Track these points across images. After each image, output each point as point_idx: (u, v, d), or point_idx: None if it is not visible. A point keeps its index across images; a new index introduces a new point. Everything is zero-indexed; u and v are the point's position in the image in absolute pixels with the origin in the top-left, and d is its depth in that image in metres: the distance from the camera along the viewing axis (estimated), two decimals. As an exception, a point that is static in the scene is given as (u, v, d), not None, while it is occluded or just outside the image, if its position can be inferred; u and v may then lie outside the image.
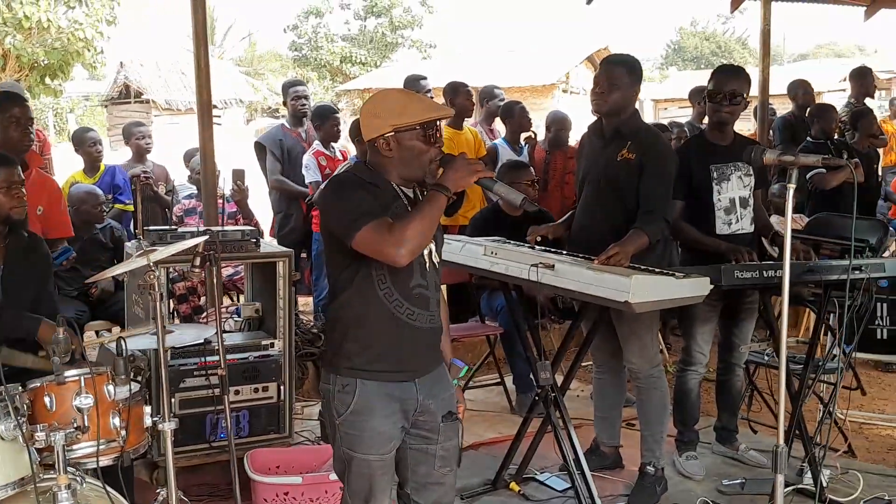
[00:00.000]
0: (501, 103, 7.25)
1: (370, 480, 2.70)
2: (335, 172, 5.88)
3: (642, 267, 3.65)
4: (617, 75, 4.00)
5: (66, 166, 7.26)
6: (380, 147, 2.64)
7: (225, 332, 4.11)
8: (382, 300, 2.64)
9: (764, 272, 3.89)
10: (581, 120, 6.65)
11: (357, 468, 2.70)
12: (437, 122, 2.67)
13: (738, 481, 4.28)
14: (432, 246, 2.71)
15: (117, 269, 3.38)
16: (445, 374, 2.88)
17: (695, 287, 3.58)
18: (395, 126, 2.61)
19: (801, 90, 8.13)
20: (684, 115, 16.10)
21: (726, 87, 4.23)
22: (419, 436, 2.78)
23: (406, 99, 2.73)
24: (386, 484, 2.75)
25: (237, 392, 4.20)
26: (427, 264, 2.70)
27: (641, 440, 4.24)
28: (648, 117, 26.02)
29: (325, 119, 6.53)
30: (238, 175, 5.90)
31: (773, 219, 5.35)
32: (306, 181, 6.33)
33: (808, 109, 7.57)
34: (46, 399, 2.77)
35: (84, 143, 6.59)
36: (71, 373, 2.80)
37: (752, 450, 4.64)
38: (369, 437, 2.66)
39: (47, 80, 22.29)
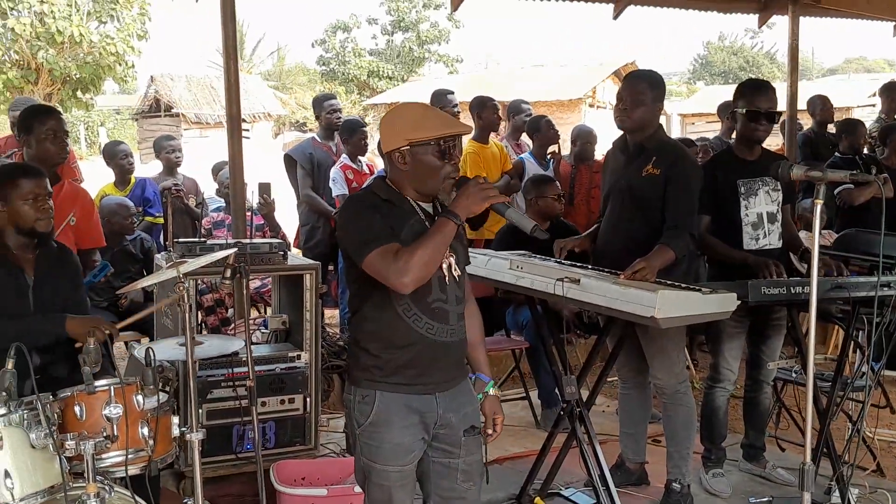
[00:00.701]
0: (528, 118, 7.26)
1: (389, 492, 2.71)
2: (362, 186, 5.93)
3: (668, 282, 3.64)
4: (640, 91, 4.00)
5: (97, 179, 7.36)
6: (395, 160, 2.65)
7: (252, 343, 4.14)
8: (401, 315, 2.65)
9: (792, 288, 3.86)
10: (608, 134, 6.64)
11: (376, 479, 2.71)
12: (455, 139, 2.66)
13: (766, 499, 4.25)
14: (452, 259, 2.71)
15: (147, 281, 3.42)
16: (469, 388, 2.87)
17: (722, 303, 3.56)
18: (410, 140, 2.61)
19: (819, 106, 8.08)
20: (712, 129, 16.03)
21: (766, 106, 4.21)
22: (441, 449, 2.78)
23: (423, 113, 2.72)
24: (406, 496, 2.75)
25: (264, 403, 4.22)
26: (446, 278, 2.70)
27: (667, 457, 4.22)
28: (676, 132, 25.93)
29: (353, 133, 6.57)
30: (264, 189, 5.95)
31: (803, 234, 5.32)
32: (333, 194, 6.38)
33: (837, 125, 7.52)
34: (77, 408, 2.80)
35: (115, 155, 6.68)
36: (101, 383, 2.84)
37: (779, 468, 4.60)
38: (388, 448, 2.67)
39: (79, 93, 22.65)
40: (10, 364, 2.63)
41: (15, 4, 21.09)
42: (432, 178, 2.64)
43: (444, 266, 2.68)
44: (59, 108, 21.63)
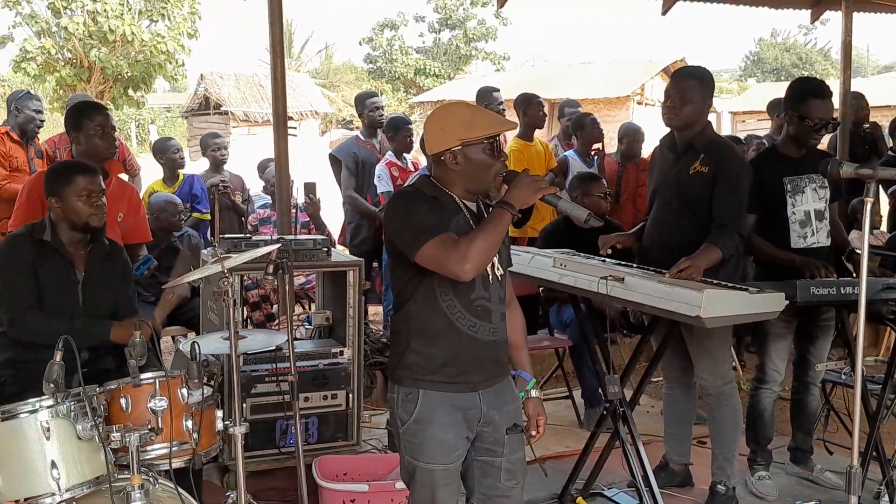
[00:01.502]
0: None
1: (433, 490, 2.71)
2: (406, 183, 5.94)
3: (714, 281, 3.59)
4: (688, 88, 3.95)
5: (146, 176, 7.45)
6: (447, 161, 2.65)
7: (296, 339, 4.17)
8: (444, 312, 2.65)
9: (841, 288, 3.79)
10: (656, 132, 6.57)
11: (420, 477, 2.71)
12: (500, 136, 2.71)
13: (812, 503, 4.17)
14: (495, 259, 2.71)
15: (193, 276, 3.46)
16: (511, 387, 2.87)
17: (769, 302, 3.51)
18: (463, 140, 2.62)
19: (855, 104, 7.91)
20: (763, 127, 15.79)
21: (826, 117, 4.12)
22: (484, 448, 2.78)
23: (472, 113, 2.73)
24: (450, 494, 2.75)
25: (307, 399, 4.26)
26: (490, 277, 2.70)
27: (713, 458, 4.17)
28: (726, 130, 25.61)
29: (399, 130, 6.59)
30: (310, 188, 5.99)
31: (853, 234, 5.22)
32: (378, 191, 6.40)
33: (891, 123, 7.37)
34: (122, 401, 2.84)
35: (167, 150, 6.76)
36: (146, 375, 2.87)
37: (827, 471, 4.52)
38: (431, 446, 2.68)
39: (130, 91, 23.00)
40: (58, 356, 2.67)
41: (68, 3, 21.49)
42: (484, 175, 2.66)
43: (487, 265, 2.68)
44: (111, 106, 21.95)
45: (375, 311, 7.27)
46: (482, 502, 2.83)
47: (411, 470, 2.73)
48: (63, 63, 22.13)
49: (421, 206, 2.64)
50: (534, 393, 2.91)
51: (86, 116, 4.19)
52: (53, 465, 2.66)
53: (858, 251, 4.29)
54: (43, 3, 21.80)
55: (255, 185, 7.65)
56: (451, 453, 2.71)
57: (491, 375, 2.76)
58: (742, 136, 8.83)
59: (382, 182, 6.36)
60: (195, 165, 7.71)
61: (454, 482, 2.76)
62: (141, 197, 6.63)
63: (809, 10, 8.11)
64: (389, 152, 6.56)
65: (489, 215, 2.62)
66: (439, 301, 2.65)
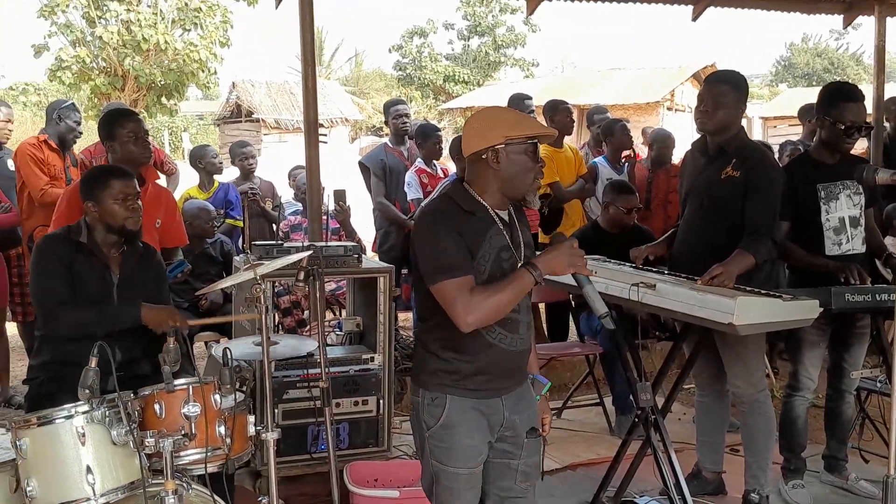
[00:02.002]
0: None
1: (458, 494, 2.72)
2: (435, 189, 5.96)
3: (748, 288, 3.56)
4: (721, 93, 3.93)
5: (181, 183, 7.52)
6: (488, 160, 2.63)
7: (327, 345, 4.19)
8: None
9: (877, 295, 3.75)
10: (687, 138, 6.53)
11: (446, 481, 2.72)
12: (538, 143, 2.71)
13: (848, 512, 4.13)
14: None
15: (226, 282, 3.50)
16: (529, 391, 2.89)
17: (803, 310, 3.48)
18: (509, 137, 2.61)
19: (893, 108, 7.80)
20: (794, 133, 15.66)
21: (858, 121, 4.08)
22: (502, 450, 2.79)
23: (517, 114, 2.81)
24: (473, 497, 2.77)
25: (338, 405, 4.28)
26: None
27: (746, 466, 4.13)
28: (757, 136, 25.37)
29: (428, 137, 6.61)
30: (339, 196, 6.01)
31: (888, 240, 5.16)
32: (408, 198, 6.41)
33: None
34: (156, 406, 2.87)
35: (206, 155, 6.83)
36: (180, 382, 2.90)
37: (862, 480, 4.46)
38: (459, 450, 2.69)
39: (163, 99, 23.28)
40: (93, 362, 2.70)
41: (103, 13, 21.80)
42: (523, 178, 2.66)
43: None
44: (144, 114, 22.16)
45: (405, 318, 7.28)
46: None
47: (437, 474, 2.74)
48: (97, 72, 22.44)
49: (449, 233, 2.60)
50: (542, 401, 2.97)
51: (118, 124, 4.23)
52: (88, 470, 2.69)
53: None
54: (78, 12, 22.15)
55: (286, 193, 7.70)
56: (476, 457, 2.73)
57: (514, 381, 2.80)
58: (772, 142, 8.76)
59: (412, 189, 6.37)
60: (226, 173, 7.77)
61: (477, 485, 2.78)
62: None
63: (842, 15, 8.01)
64: (419, 159, 6.58)
65: (511, 275, 2.61)
66: None
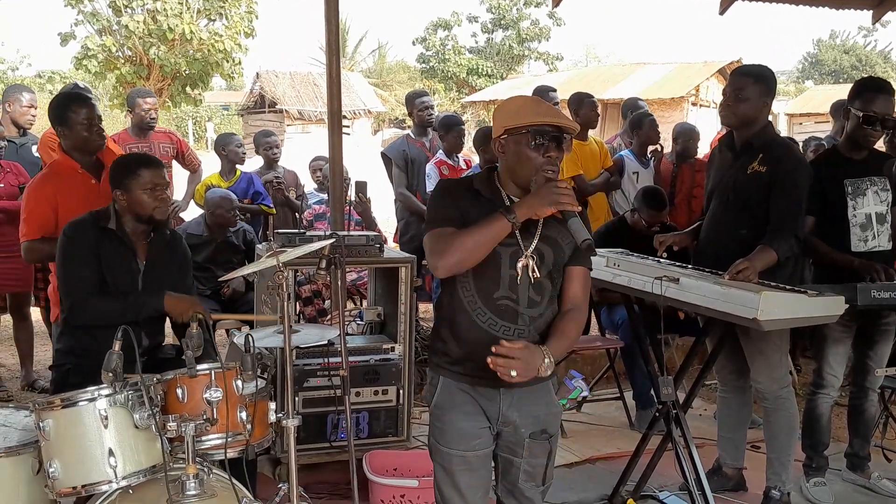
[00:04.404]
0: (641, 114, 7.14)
1: (452, 475, 2.70)
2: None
3: (772, 283, 3.54)
4: (743, 86, 3.89)
5: (204, 172, 7.55)
6: (496, 149, 2.66)
7: (348, 334, 4.19)
8: (466, 306, 2.64)
9: (903, 292, 3.70)
10: (712, 133, 6.47)
11: (440, 460, 2.73)
12: (554, 134, 2.57)
13: (870, 511, 4.10)
14: (532, 262, 2.61)
15: (248, 269, 3.50)
16: (548, 392, 2.78)
17: (828, 306, 3.45)
18: (507, 128, 2.61)
19: None
20: (821, 130, 15.53)
21: (883, 111, 4.04)
22: (505, 446, 2.76)
23: (523, 103, 2.69)
24: (473, 480, 2.70)
25: (358, 394, 4.29)
26: (519, 277, 2.61)
27: (767, 463, 4.11)
28: (782, 133, 25.18)
29: (449, 129, 6.59)
30: (361, 187, 6.02)
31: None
32: (427, 190, 6.41)
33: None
34: (179, 391, 2.88)
35: (230, 143, 6.85)
36: (202, 366, 2.91)
37: (885, 479, 4.44)
38: (450, 431, 2.69)
39: (188, 89, 23.37)
40: (116, 346, 2.72)
41: (129, 2, 21.93)
42: (525, 168, 2.58)
43: (520, 265, 2.61)
44: (169, 103, 22.19)
45: (426, 308, 7.28)
46: (504, 494, 2.83)
47: (433, 450, 2.77)
48: (123, 61, 22.57)
49: (448, 197, 2.67)
50: (543, 350, 2.52)
51: (70, 109, 4.13)
52: (111, 452, 2.70)
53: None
54: (104, 1, 22.29)
55: (308, 183, 7.72)
56: (468, 441, 2.69)
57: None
58: (798, 139, 8.67)
59: (431, 180, 6.37)
60: (249, 163, 7.79)
61: (477, 470, 2.71)
62: (196, 189, 6.75)
63: (871, 11, 7.92)
64: (440, 151, 6.57)
65: (485, 218, 2.54)
66: (461, 294, 2.65)
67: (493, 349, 2.41)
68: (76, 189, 4.05)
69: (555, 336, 2.62)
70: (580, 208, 2.53)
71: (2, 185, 5.55)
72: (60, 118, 4.13)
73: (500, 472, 2.80)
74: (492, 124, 2.72)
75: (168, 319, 3.65)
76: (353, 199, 5.95)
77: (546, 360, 2.48)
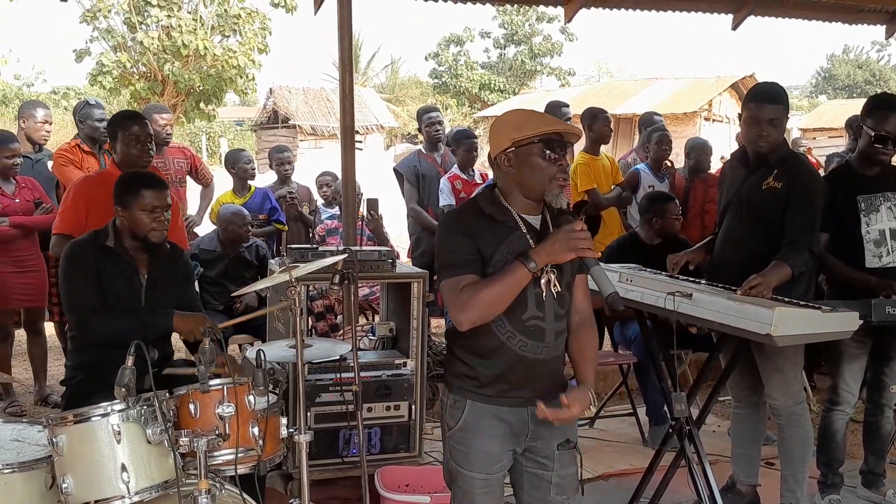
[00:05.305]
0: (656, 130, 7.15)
1: (473, 498, 2.69)
2: (472, 196, 5.94)
3: (786, 299, 3.52)
4: (778, 114, 3.85)
5: (217, 187, 7.58)
6: (501, 164, 2.63)
7: (360, 349, 4.19)
8: (494, 331, 2.61)
9: (919, 309, 3.68)
10: (724, 148, 6.44)
11: (461, 483, 2.71)
12: (561, 142, 2.59)
13: (885, 529, 4.06)
14: (552, 276, 2.62)
15: (260, 285, 3.51)
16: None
17: (842, 322, 3.43)
18: (515, 139, 2.58)
19: None
20: (833, 145, 15.48)
21: (894, 130, 4.03)
22: (535, 461, 2.74)
23: (526, 114, 2.69)
24: (491, 502, 2.72)
25: (370, 409, 4.28)
26: (543, 294, 2.62)
27: (781, 480, 4.08)
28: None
29: (460, 143, 6.62)
30: (372, 204, 6.03)
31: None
32: (440, 204, 6.42)
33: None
34: (191, 406, 2.88)
35: (239, 160, 6.88)
36: (215, 382, 2.91)
37: (900, 496, 4.39)
38: (476, 455, 2.67)
39: (202, 105, 23.46)
40: (129, 361, 2.72)
41: (144, 19, 22.05)
42: (537, 178, 2.58)
43: (543, 282, 2.61)
44: (182, 119, 22.26)
45: (438, 324, 7.28)
46: None
47: (454, 475, 2.74)
48: (138, 77, 22.69)
49: (461, 234, 2.60)
50: (589, 390, 2.68)
51: (121, 126, 4.31)
52: (123, 468, 2.71)
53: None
54: (119, 18, 22.42)
55: (318, 198, 7.73)
56: (493, 464, 2.69)
57: (542, 391, 2.66)
58: (814, 153, 8.65)
59: (444, 195, 6.38)
60: (263, 178, 7.83)
61: (496, 492, 2.73)
62: (211, 207, 6.78)
63: (885, 26, 7.91)
64: (455, 166, 6.59)
65: (506, 267, 2.53)
66: (489, 321, 2.60)
67: (553, 419, 2.55)
68: (110, 200, 4.10)
69: (586, 363, 2.75)
70: (599, 254, 2.56)
71: (17, 201, 5.58)
72: (112, 133, 4.39)
73: (527, 490, 2.77)
74: (492, 141, 2.68)
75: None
76: (364, 215, 5.96)
77: (591, 395, 2.65)
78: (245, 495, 2.92)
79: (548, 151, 2.56)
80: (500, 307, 2.54)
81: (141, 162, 4.31)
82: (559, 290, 2.64)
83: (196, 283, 4.60)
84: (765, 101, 3.89)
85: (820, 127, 26.62)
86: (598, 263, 2.54)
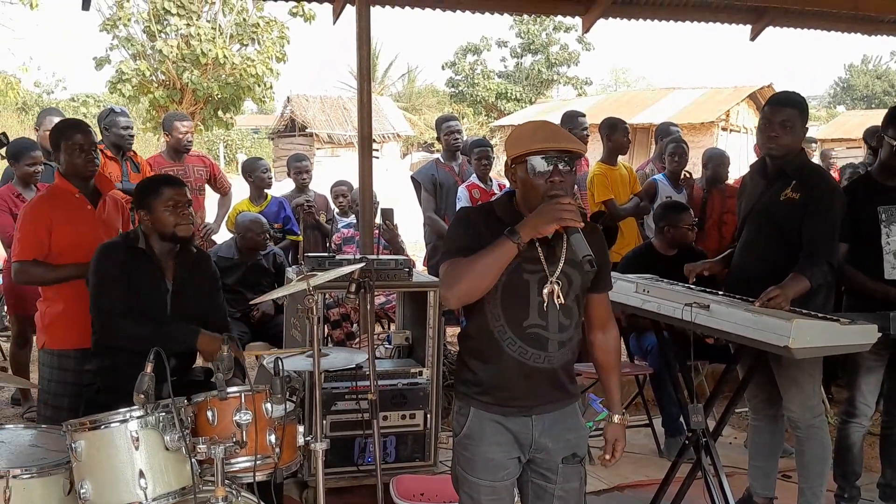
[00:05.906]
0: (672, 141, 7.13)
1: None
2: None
3: (805, 311, 3.50)
4: (789, 117, 3.85)
5: (235, 196, 7.62)
6: (509, 177, 2.69)
7: (376, 358, 4.19)
8: (496, 337, 2.62)
9: (938, 321, 3.65)
10: (742, 159, 6.42)
11: (468, 490, 2.71)
12: (558, 155, 2.56)
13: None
14: (556, 287, 2.60)
15: (278, 293, 3.52)
16: (576, 414, 2.79)
17: (860, 334, 3.41)
18: (511, 156, 2.63)
19: None
20: (852, 156, 15.40)
21: None
22: (538, 472, 2.74)
23: (523, 130, 2.68)
24: None
25: (385, 418, 4.28)
26: (546, 304, 2.61)
27: (799, 493, 4.05)
28: (814, 158, 24.99)
29: (471, 152, 6.63)
30: (387, 214, 6.04)
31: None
32: (456, 213, 6.42)
33: None
34: (209, 413, 2.89)
35: (256, 169, 6.91)
36: (232, 389, 2.93)
37: (919, 511, 4.35)
38: (480, 462, 2.67)
39: (220, 113, 23.60)
40: (148, 368, 2.74)
41: (163, 27, 22.24)
42: (532, 195, 2.58)
43: (546, 292, 2.59)
44: (201, 127, 22.37)
45: (454, 332, 7.27)
46: None
47: (460, 480, 2.75)
48: (157, 85, 22.87)
49: (466, 225, 2.65)
50: (616, 419, 2.86)
51: (64, 135, 4.13)
52: (141, 474, 2.72)
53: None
54: (139, 26, 22.63)
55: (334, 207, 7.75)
56: (498, 472, 2.68)
57: (547, 401, 2.68)
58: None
59: (461, 204, 6.38)
60: (280, 186, 7.85)
61: (503, 499, 2.71)
62: (228, 215, 6.81)
63: (903, 37, 7.89)
64: (473, 175, 6.60)
65: (491, 244, 2.52)
66: (490, 325, 2.62)
67: (601, 462, 2.83)
68: (72, 213, 4.06)
69: (613, 374, 2.88)
70: (583, 224, 2.52)
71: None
72: (55, 144, 4.17)
73: (531, 500, 2.77)
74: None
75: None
76: (380, 224, 5.98)
77: (621, 418, 2.87)
78: (261, 502, 2.93)
79: (538, 169, 2.56)
80: (486, 281, 2.52)
81: (86, 172, 4.13)
82: (563, 301, 2.62)
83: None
84: (778, 104, 3.93)
85: (838, 137, 26.47)
86: (579, 232, 2.50)
